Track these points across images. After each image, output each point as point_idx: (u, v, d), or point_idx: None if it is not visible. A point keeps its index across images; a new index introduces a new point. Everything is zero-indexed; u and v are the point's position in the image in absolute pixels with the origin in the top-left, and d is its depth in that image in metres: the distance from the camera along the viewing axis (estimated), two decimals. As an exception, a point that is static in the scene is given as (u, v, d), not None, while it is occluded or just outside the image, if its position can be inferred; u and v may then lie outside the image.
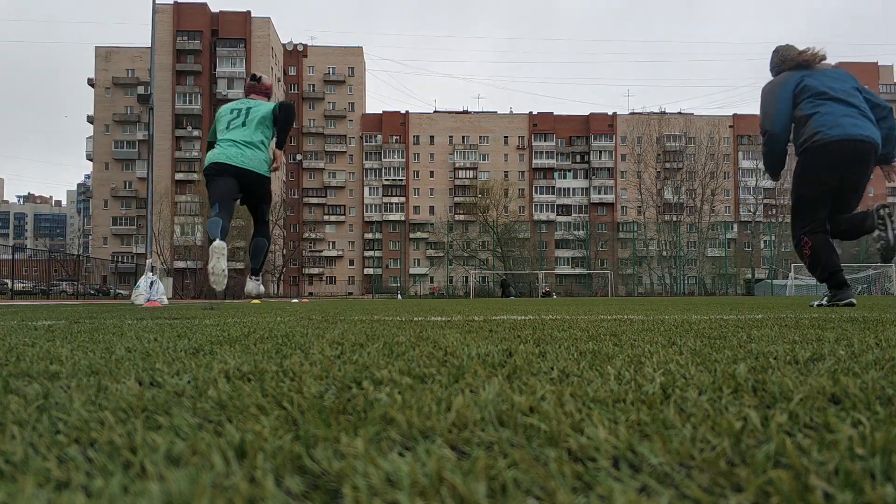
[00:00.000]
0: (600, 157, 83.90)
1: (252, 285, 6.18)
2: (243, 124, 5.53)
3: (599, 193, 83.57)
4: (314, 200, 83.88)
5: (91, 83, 77.45)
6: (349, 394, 0.97)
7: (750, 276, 63.34)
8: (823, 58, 5.02)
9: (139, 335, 2.35)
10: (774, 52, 5.19)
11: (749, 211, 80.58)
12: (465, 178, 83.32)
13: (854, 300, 4.91)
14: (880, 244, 4.51)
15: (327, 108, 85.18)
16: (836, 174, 4.59)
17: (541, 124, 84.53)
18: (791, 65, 5.00)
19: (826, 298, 5.00)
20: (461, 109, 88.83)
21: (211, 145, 5.62)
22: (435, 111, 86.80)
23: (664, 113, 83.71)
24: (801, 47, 5.13)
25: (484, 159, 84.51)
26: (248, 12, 75.94)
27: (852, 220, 4.67)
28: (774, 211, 79.14)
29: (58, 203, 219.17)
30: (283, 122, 5.56)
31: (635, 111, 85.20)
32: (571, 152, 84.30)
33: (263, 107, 5.64)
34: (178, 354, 1.61)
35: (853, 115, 4.61)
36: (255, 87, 5.97)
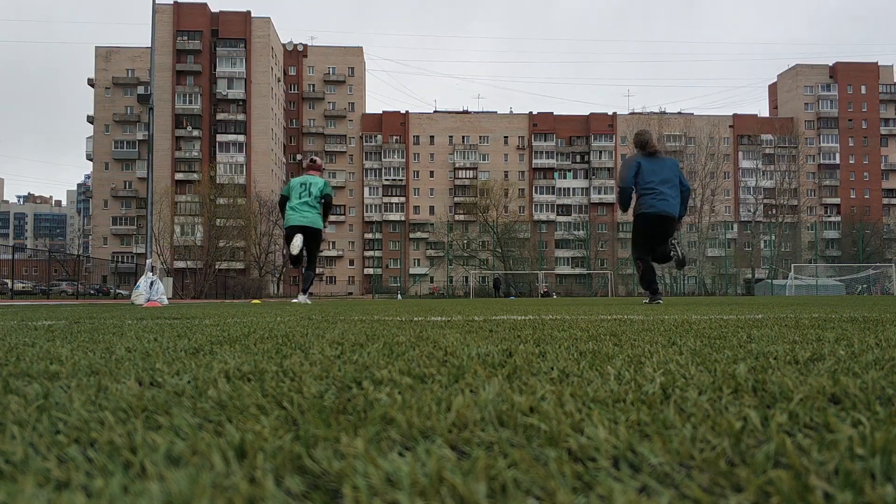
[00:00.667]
0: (600, 157, 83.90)
1: (301, 298, 9.36)
2: (309, 194, 9.01)
3: (599, 193, 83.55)
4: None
5: (91, 83, 77.44)
6: (349, 394, 0.97)
7: (750, 276, 63.40)
8: (658, 151, 7.70)
9: (139, 335, 2.35)
10: (636, 134, 7.93)
11: (749, 211, 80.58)
12: (465, 178, 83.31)
13: (661, 300, 7.92)
14: (674, 260, 7.74)
15: (327, 108, 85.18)
16: (649, 230, 7.63)
17: (541, 124, 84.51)
18: (640, 149, 7.76)
19: (648, 300, 8.04)
20: (461, 109, 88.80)
21: (283, 199, 9.15)
22: (435, 111, 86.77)
23: (664, 113, 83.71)
24: (654, 136, 7.94)
25: (484, 159, 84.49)
26: (248, 12, 75.90)
27: (662, 251, 7.76)
28: (774, 211, 79.17)
29: (58, 203, 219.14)
30: (325, 208, 9.14)
31: (635, 111, 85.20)
32: (571, 152, 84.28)
33: (317, 184, 9.08)
34: (178, 354, 1.61)
35: (665, 196, 7.52)
36: (312, 166, 9.32)
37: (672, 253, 7.65)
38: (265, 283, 63.03)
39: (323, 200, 9.07)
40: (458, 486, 0.51)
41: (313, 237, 9.03)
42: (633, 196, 7.82)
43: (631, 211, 8.04)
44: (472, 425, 0.74)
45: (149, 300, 9.79)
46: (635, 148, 7.93)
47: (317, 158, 9.40)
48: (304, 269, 9.23)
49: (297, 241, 8.75)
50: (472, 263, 73.28)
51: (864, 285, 45.20)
